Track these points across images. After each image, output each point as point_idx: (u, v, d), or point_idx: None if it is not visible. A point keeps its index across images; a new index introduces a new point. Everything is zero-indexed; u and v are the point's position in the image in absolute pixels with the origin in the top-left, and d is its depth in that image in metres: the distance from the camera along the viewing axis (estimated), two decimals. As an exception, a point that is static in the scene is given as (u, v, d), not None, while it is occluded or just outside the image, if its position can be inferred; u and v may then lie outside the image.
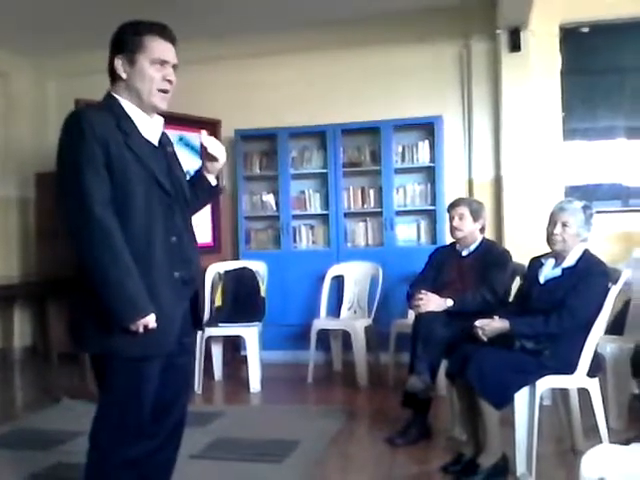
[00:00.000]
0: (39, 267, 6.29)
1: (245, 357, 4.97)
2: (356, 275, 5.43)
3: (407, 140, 5.75)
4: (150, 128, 2.16)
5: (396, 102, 5.73)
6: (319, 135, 5.88)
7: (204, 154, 2.30)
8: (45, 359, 6.09)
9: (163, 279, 2.08)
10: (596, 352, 3.11)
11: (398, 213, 5.69)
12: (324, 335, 5.25)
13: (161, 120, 2.21)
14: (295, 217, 5.91)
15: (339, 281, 5.49)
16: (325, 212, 5.83)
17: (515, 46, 5.33)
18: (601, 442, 3.00)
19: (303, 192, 5.94)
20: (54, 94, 6.65)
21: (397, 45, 5.76)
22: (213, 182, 2.37)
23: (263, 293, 5.10)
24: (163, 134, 2.23)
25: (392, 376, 4.78)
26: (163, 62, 2.10)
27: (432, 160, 5.61)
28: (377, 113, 5.70)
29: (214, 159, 2.30)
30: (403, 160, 5.72)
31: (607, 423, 3.19)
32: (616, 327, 4.01)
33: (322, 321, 5.17)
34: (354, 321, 5.09)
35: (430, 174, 5.67)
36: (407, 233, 5.76)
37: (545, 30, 5.43)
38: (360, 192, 5.82)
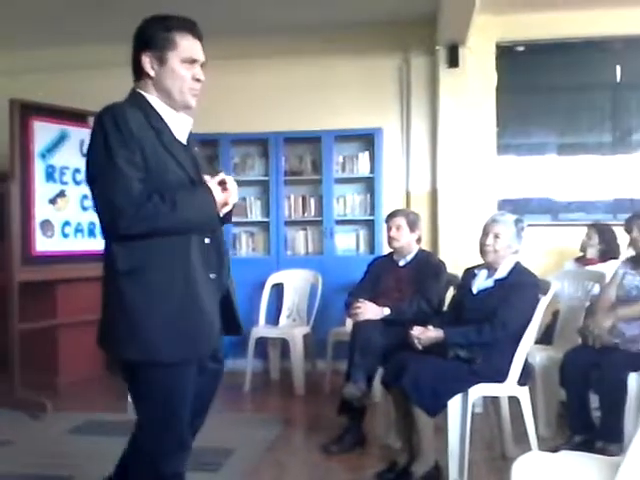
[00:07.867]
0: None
1: (181, 365, 4.89)
2: (295, 283, 5.44)
3: (348, 151, 5.81)
4: (179, 126, 2.10)
5: (338, 113, 5.77)
6: (261, 142, 5.87)
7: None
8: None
9: (202, 280, 2.02)
10: (526, 361, 3.20)
11: (338, 222, 5.73)
12: (262, 343, 5.24)
13: (190, 119, 2.14)
14: (235, 224, 5.87)
15: (278, 289, 5.48)
16: (266, 220, 5.82)
17: (453, 62, 5.44)
18: (531, 449, 3.08)
19: (244, 199, 5.90)
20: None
21: (339, 56, 5.80)
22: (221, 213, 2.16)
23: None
24: (190, 133, 2.16)
25: (329, 384, 4.80)
26: (193, 61, 2.03)
27: (372, 171, 5.68)
28: (319, 123, 5.72)
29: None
30: (343, 170, 5.78)
31: (536, 431, 3.29)
32: (546, 337, 4.14)
33: (261, 329, 5.15)
34: (293, 329, 5.09)
35: (369, 185, 5.74)
36: (346, 242, 5.81)
37: (482, 47, 5.57)
38: (301, 201, 5.83)
